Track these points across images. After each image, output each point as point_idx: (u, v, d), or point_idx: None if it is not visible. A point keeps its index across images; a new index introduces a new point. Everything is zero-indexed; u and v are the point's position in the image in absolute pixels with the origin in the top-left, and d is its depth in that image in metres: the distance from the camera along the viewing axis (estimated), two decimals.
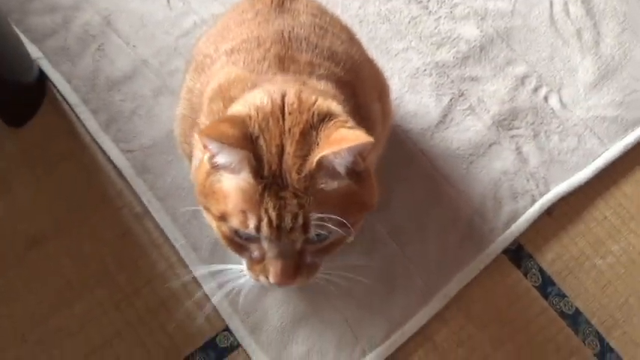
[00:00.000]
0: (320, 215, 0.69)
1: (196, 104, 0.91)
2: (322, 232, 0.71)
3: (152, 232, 1.21)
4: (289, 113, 0.72)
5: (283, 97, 0.74)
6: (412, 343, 1.15)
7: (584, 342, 1.17)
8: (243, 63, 0.86)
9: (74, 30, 1.35)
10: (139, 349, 1.13)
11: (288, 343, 1.13)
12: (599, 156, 1.30)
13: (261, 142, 0.70)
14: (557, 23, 1.42)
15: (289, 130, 0.71)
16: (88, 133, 1.27)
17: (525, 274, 1.21)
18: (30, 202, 1.22)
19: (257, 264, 0.76)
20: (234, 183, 0.71)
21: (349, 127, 0.71)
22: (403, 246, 1.20)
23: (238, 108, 0.75)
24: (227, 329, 1.14)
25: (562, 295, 1.20)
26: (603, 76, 1.37)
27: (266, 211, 0.69)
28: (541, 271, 1.22)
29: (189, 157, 0.95)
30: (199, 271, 1.15)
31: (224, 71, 0.87)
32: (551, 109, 1.33)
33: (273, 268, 0.73)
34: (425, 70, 1.35)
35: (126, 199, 1.23)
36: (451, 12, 1.42)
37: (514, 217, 1.24)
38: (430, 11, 1.42)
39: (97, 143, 1.27)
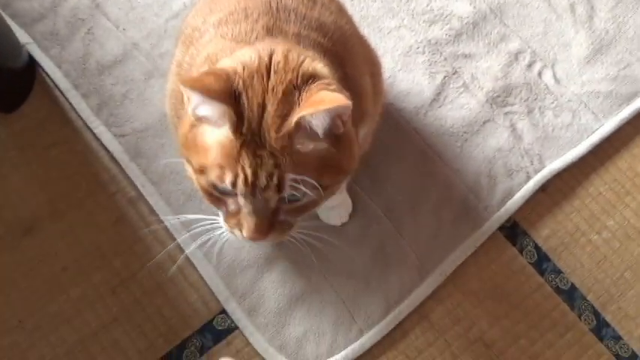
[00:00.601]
0: (294, 177, 0.70)
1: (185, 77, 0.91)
2: (296, 193, 0.72)
3: (147, 216, 1.21)
4: (275, 72, 0.72)
5: (271, 55, 0.74)
6: (409, 321, 1.15)
7: (579, 317, 1.18)
8: (231, 35, 0.84)
9: (63, 14, 1.33)
10: (136, 333, 1.13)
11: (285, 324, 1.13)
12: (593, 131, 1.29)
13: (244, 99, 0.70)
14: None
15: (273, 88, 0.70)
16: (80, 118, 1.27)
17: (521, 251, 1.22)
18: (23, 189, 1.21)
19: (232, 217, 0.76)
20: (214, 137, 0.72)
21: (331, 90, 0.70)
22: (398, 225, 1.20)
23: (226, 62, 0.75)
24: (224, 312, 1.15)
25: (557, 271, 1.21)
26: (597, 51, 1.36)
27: (242, 168, 0.70)
28: (536, 247, 1.22)
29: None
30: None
31: (212, 44, 0.86)
32: (545, 84, 1.33)
33: (247, 224, 0.74)
34: (418, 48, 1.34)
35: (120, 183, 1.23)
36: None
37: (509, 195, 1.23)
38: None
39: (89, 128, 1.26)
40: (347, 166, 0.78)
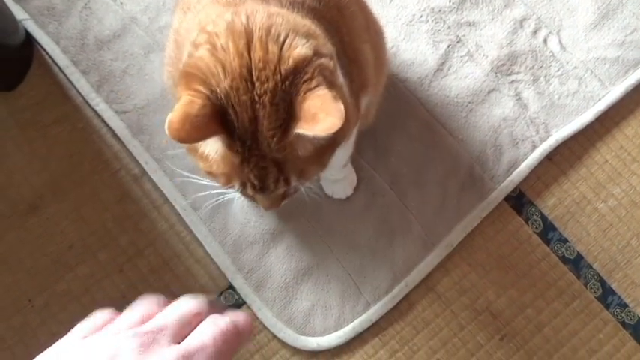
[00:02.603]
0: (297, 171, 0.73)
1: (182, 45, 0.89)
2: (303, 179, 0.75)
3: (151, 193, 1.20)
4: (257, 79, 0.68)
5: (249, 45, 0.69)
6: (415, 293, 1.16)
7: (585, 286, 1.18)
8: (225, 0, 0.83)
9: None
10: None
11: (293, 298, 1.14)
12: (600, 99, 1.28)
13: (231, 112, 0.67)
14: None
15: (260, 98, 0.68)
16: (80, 95, 1.25)
17: (527, 221, 1.21)
18: (26, 168, 1.21)
19: (247, 196, 0.80)
20: (215, 150, 0.71)
21: (317, 91, 0.67)
22: (403, 197, 1.20)
23: (202, 55, 0.70)
24: (231, 287, 1.15)
25: (563, 240, 1.21)
26: (604, 16, 1.34)
27: (248, 177, 0.71)
28: (542, 217, 1.22)
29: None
30: (199, 229, 1.16)
31: (205, 9, 0.84)
32: (551, 52, 1.31)
33: (262, 204, 0.81)
34: (421, 16, 1.32)
35: (123, 160, 1.22)
36: None
37: (515, 165, 1.23)
38: None
39: (89, 105, 1.24)
40: (342, 138, 0.77)
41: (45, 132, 1.23)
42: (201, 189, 0.85)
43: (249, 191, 0.74)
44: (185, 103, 0.66)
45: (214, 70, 0.68)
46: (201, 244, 1.17)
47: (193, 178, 0.85)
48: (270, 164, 0.70)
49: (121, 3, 1.31)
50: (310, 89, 0.68)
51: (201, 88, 0.67)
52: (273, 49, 0.68)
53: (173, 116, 0.65)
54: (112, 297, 1.14)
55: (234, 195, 0.86)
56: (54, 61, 1.27)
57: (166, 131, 0.65)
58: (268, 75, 0.67)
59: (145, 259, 1.17)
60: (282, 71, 0.67)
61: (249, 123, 0.67)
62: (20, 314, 1.13)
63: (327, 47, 0.75)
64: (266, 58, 0.68)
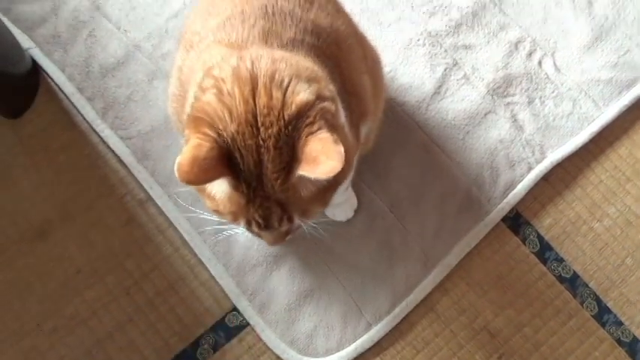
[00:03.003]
0: (300, 210, 0.76)
1: (186, 82, 0.92)
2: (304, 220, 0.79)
3: (156, 217, 1.23)
4: (262, 124, 0.72)
5: (254, 92, 0.73)
6: (415, 313, 1.19)
7: (582, 304, 1.21)
8: (228, 41, 0.86)
9: (64, 17, 1.34)
10: (151, 332, 1.16)
11: (296, 319, 1.17)
12: (594, 120, 1.31)
13: (237, 156, 0.71)
14: None
15: (264, 142, 0.71)
16: (86, 121, 1.28)
17: (524, 241, 1.24)
18: (33, 193, 1.24)
19: (253, 232, 0.84)
20: (221, 190, 0.75)
21: (319, 135, 0.71)
22: (402, 218, 1.23)
23: (210, 100, 0.74)
24: (235, 309, 1.18)
25: (560, 260, 1.23)
26: (597, 38, 1.36)
27: (253, 217, 0.75)
28: (539, 237, 1.24)
29: (183, 135, 0.97)
30: (204, 253, 1.19)
31: (209, 50, 0.87)
32: (546, 73, 1.34)
33: (266, 240, 0.85)
34: (418, 40, 1.35)
35: (128, 185, 1.25)
36: None
37: (511, 186, 1.25)
38: None
39: (95, 131, 1.27)
40: (343, 178, 0.81)
41: (52, 158, 1.26)
42: (208, 223, 0.89)
43: (255, 228, 0.77)
44: (194, 145, 0.70)
45: (221, 115, 0.71)
46: (205, 267, 1.20)
47: (201, 214, 0.88)
48: (274, 204, 0.73)
49: (125, 30, 1.34)
50: (312, 133, 0.71)
51: (208, 131, 0.71)
52: (277, 95, 0.72)
53: (182, 159, 0.68)
54: (118, 320, 1.17)
55: (240, 230, 0.90)
56: (60, 89, 1.30)
57: (176, 173, 0.68)
58: (272, 120, 0.71)
59: (150, 282, 1.19)
60: (286, 117, 0.71)
61: (254, 166, 0.71)
62: (29, 338, 1.16)
63: (329, 89, 0.79)
64: (270, 104, 0.71)
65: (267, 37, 0.85)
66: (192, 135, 0.71)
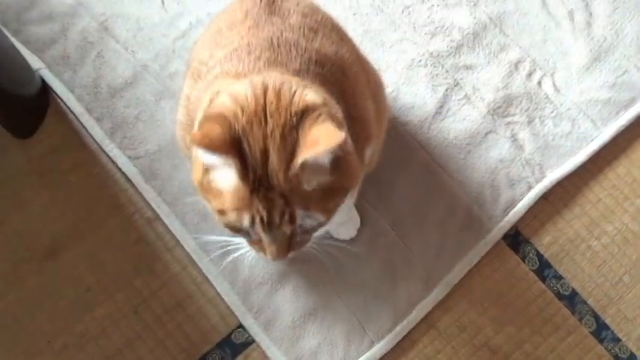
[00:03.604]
0: (304, 208, 0.78)
1: (193, 111, 0.95)
2: (307, 221, 0.80)
3: (164, 235, 1.26)
4: (270, 115, 0.76)
5: (265, 92, 0.78)
6: (417, 330, 1.21)
7: (580, 321, 1.23)
8: (235, 72, 0.88)
9: (73, 38, 1.37)
10: (159, 349, 1.19)
11: (300, 337, 1.19)
12: (592, 139, 1.33)
13: (246, 146, 0.75)
14: (548, 5, 1.44)
15: (271, 133, 0.75)
16: (95, 141, 1.31)
17: (523, 259, 1.27)
18: (44, 213, 1.26)
19: (256, 244, 0.86)
20: (226, 183, 0.78)
21: (322, 122, 0.76)
22: (405, 237, 1.25)
23: (224, 100, 0.79)
24: (241, 326, 1.20)
25: (559, 277, 1.26)
26: (596, 58, 1.39)
27: (257, 210, 0.77)
28: (538, 255, 1.27)
29: (191, 159, 1.00)
30: (211, 272, 1.22)
31: (217, 82, 0.89)
32: (545, 94, 1.36)
33: (269, 250, 0.84)
34: (420, 60, 1.37)
35: (137, 204, 1.28)
36: None
37: (511, 205, 1.28)
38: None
39: (104, 151, 1.30)
40: (349, 185, 0.84)
41: (62, 178, 1.29)
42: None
43: (258, 228, 0.78)
44: (209, 127, 0.75)
45: (234, 110, 0.76)
46: (212, 285, 1.22)
47: (207, 237, 0.91)
48: (277, 197, 0.76)
49: (133, 51, 1.36)
50: (316, 122, 0.76)
51: (222, 120, 0.76)
52: (285, 94, 0.78)
53: (196, 131, 0.78)
54: (127, 337, 1.20)
55: (244, 249, 0.93)
56: (69, 109, 1.33)
57: (194, 145, 0.73)
58: (280, 113, 0.76)
59: (158, 300, 1.22)
60: (293, 111, 0.76)
61: (261, 155, 0.75)
62: (40, 356, 1.18)
63: (339, 115, 0.83)
64: (279, 101, 0.77)
65: (273, 69, 0.88)
66: (206, 125, 0.76)
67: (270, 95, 0.78)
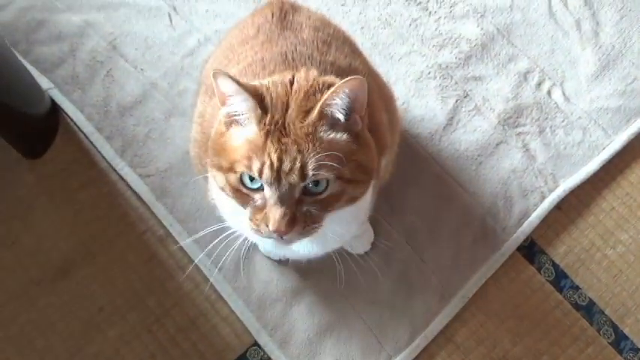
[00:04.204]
0: (316, 157, 0.74)
1: (207, 128, 0.94)
2: (319, 176, 0.75)
3: (176, 253, 1.25)
4: (297, 82, 0.79)
5: (294, 74, 0.81)
6: (434, 344, 1.20)
7: (599, 332, 1.22)
8: None
9: (82, 57, 1.37)
10: None
11: (316, 353, 1.18)
12: (604, 148, 1.33)
13: (268, 99, 0.77)
14: (556, 15, 1.44)
15: (295, 92, 0.78)
16: (105, 160, 1.30)
17: (539, 270, 1.26)
18: (55, 233, 1.26)
19: (259, 212, 0.78)
20: (242, 136, 0.77)
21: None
22: (419, 250, 1.24)
23: (255, 83, 0.80)
24: (256, 344, 1.19)
25: (575, 288, 1.25)
26: (604, 67, 1.39)
27: (269, 155, 0.75)
28: (554, 265, 1.26)
29: (205, 177, 0.99)
30: (220, 285, 1.21)
31: None
32: (555, 103, 1.36)
33: (272, 215, 0.76)
34: (429, 73, 1.37)
35: (148, 222, 1.27)
36: (451, 11, 1.43)
37: (525, 215, 1.27)
38: (430, 12, 1.43)
39: (114, 170, 1.30)
40: (368, 163, 0.81)
41: (72, 197, 1.28)
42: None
43: (266, 176, 0.74)
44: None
45: (263, 83, 0.80)
46: (226, 303, 1.21)
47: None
48: (292, 142, 0.74)
49: (142, 69, 1.36)
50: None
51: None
52: (314, 74, 0.81)
53: None
54: (141, 358, 1.18)
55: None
56: (79, 128, 1.32)
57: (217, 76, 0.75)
58: (308, 80, 0.79)
59: (172, 318, 1.21)
60: (320, 81, 0.79)
61: (281, 106, 0.77)
62: None
63: None
64: (307, 75, 0.80)
65: None
66: None
67: (300, 73, 0.81)
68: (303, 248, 0.93)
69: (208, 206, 1.23)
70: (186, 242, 1.24)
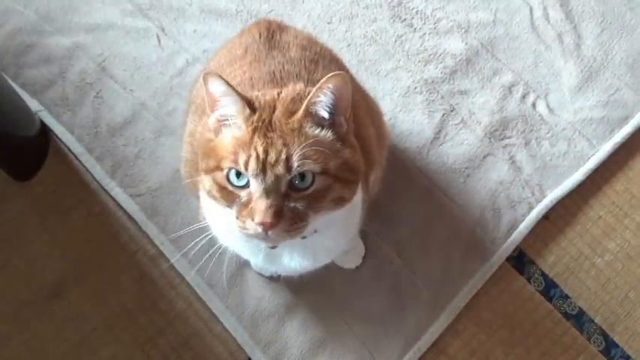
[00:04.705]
0: (301, 149, 0.75)
1: (197, 148, 0.95)
2: (304, 167, 0.75)
3: (168, 272, 1.25)
4: (284, 92, 0.81)
5: (282, 89, 0.83)
6: (427, 357, 1.20)
7: (589, 340, 1.23)
8: None
9: (71, 79, 1.38)
10: None
11: None
12: (589, 158, 1.35)
13: (257, 103, 0.79)
14: (538, 29, 1.47)
15: (282, 99, 0.80)
16: (96, 180, 1.31)
17: (529, 280, 1.27)
18: (47, 254, 1.26)
19: (245, 208, 0.77)
20: (230, 134, 0.79)
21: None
22: (410, 263, 1.25)
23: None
24: None
25: (565, 297, 1.26)
26: (587, 79, 1.42)
27: (255, 148, 0.75)
28: (543, 275, 1.27)
29: (197, 196, 1.00)
30: (217, 306, 1.21)
31: None
32: (540, 115, 1.38)
33: (258, 208, 0.75)
34: (415, 88, 1.39)
35: (139, 242, 1.27)
36: (435, 27, 1.46)
37: (514, 226, 1.29)
38: (415, 28, 1.46)
39: (105, 190, 1.30)
40: (353, 161, 0.81)
41: (63, 218, 1.28)
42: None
43: (252, 164, 0.75)
44: None
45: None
46: (218, 321, 1.21)
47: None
48: (277, 137, 0.76)
49: (131, 90, 1.38)
50: None
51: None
52: (301, 87, 0.82)
53: None
54: None
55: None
56: (69, 150, 1.33)
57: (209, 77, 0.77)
58: (295, 89, 0.81)
59: (165, 338, 1.21)
60: (307, 90, 0.80)
61: (268, 108, 0.78)
62: None
63: None
64: (295, 86, 0.83)
65: None
66: None
67: (289, 87, 0.83)
68: (294, 263, 0.94)
69: (199, 224, 1.24)
70: (177, 260, 1.24)
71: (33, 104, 1.35)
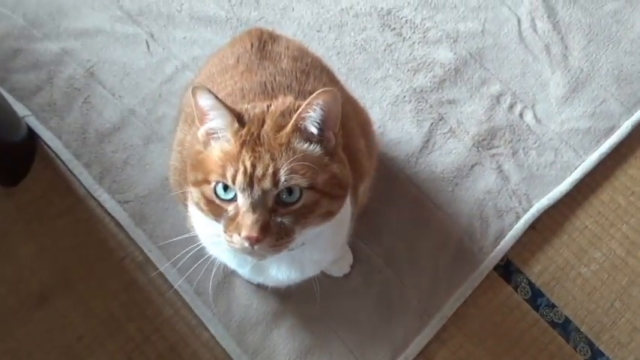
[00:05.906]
0: (289, 164, 0.75)
1: (187, 156, 0.95)
2: (291, 182, 0.75)
3: (156, 279, 1.24)
4: (274, 105, 0.81)
5: (272, 102, 0.82)
6: None
7: (575, 349, 1.24)
8: None
9: (59, 85, 1.37)
10: None
11: None
12: (576, 168, 1.36)
13: (246, 117, 0.78)
14: (526, 40, 1.48)
15: (271, 112, 0.79)
16: (83, 186, 1.30)
17: (516, 289, 1.28)
18: (33, 261, 1.25)
19: (232, 222, 0.77)
20: (218, 147, 0.78)
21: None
22: (398, 272, 1.26)
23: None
24: None
25: (551, 306, 1.27)
26: (574, 89, 1.43)
27: (242, 162, 0.75)
28: (530, 284, 1.28)
29: (185, 205, 0.99)
30: (205, 314, 1.20)
31: None
32: (527, 125, 1.39)
33: (245, 222, 0.75)
34: (404, 97, 1.40)
35: (127, 248, 1.27)
36: (424, 37, 1.47)
37: (501, 235, 1.30)
38: (404, 37, 1.47)
39: (92, 196, 1.29)
40: (341, 176, 0.81)
41: (50, 225, 1.27)
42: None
43: (240, 178, 0.74)
44: None
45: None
46: (206, 328, 1.21)
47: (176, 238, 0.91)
48: (265, 152, 0.75)
49: (120, 96, 1.37)
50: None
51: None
52: (291, 100, 0.82)
53: None
54: None
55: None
56: (57, 155, 1.32)
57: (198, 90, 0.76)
58: (284, 103, 0.81)
59: (152, 345, 1.20)
60: (296, 104, 0.80)
61: (257, 122, 0.78)
62: None
63: None
64: (284, 100, 0.82)
65: None
66: None
67: (278, 100, 0.82)
68: (282, 275, 0.94)
69: (188, 232, 1.24)
70: (165, 268, 1.23)
71: (20, 109, 1.34)
